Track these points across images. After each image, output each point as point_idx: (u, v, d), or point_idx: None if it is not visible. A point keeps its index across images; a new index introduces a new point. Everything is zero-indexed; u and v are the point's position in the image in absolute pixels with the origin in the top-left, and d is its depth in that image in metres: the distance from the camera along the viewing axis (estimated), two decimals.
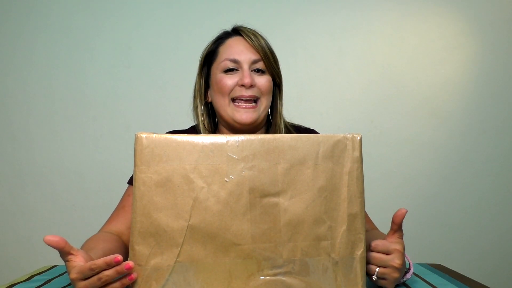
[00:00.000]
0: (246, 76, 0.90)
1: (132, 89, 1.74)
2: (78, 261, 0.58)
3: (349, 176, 0.61)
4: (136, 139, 0.58)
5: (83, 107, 1.73)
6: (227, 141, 0.60)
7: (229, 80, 0.92)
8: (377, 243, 0.65)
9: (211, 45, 0.99)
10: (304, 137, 0.61)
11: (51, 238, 0.55)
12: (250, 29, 0.96)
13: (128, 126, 1.73)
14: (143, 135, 0.58)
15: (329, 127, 1.73)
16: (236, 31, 0.97)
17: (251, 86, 0.90)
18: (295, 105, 1.68)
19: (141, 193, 0.58)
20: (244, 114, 0.90)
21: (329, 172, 0.61)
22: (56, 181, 1.72)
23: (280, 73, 0.99)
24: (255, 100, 0.92)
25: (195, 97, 1.01)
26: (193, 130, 1.04)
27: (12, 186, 1.72)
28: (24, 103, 1.73)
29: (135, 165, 0.58)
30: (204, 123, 0.98)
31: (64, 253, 0.57)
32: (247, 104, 0.91)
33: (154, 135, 0.59)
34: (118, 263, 0.55)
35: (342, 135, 0.62)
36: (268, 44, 0.96)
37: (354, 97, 1.77)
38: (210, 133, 0.99)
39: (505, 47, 1.77)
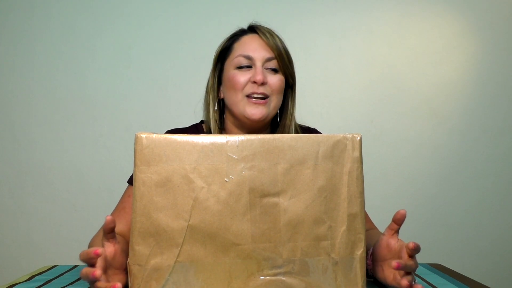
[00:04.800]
0: (258, 73, 0.90)
1: (132, 89, 1.74)
2: (107, 250, 0.60)
3: (349, 176, 0.61)
4: (136, 139, 0.58)
5: (84, 107, 1.73)
6: (227, 141, 0.60)
7: (242, 77, 0.91)
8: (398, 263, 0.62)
9: (226, 42, 0.99)
10: (304, 137, 0.61)
11: (108, 218, 0.59)
12: (266, 27, 0.96)
13: (128, 126, 1.73)
14: (143, 135, 0.58)
15: (329, 127, 1.73)
16: (252, 29, 0.97)
17: (263, 83, 0.90)
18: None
19: (141, 193, 0.58)
20: (254, 109, 0.90)
21: (329, 172, 0.61)
22: (56, 181, 1.72)
23: (293, 73, 0.98)
24: (264, 98, 0.92)
25: (207, 93, 1.00)
26: (194, 128, 1.03)
27: (12, 186, 1.72)
28: (24, 103, 1.73)
29: (135, 165, 0.58)
30: (216, 119, 0.98)
31: (104, 236, 0.61)
32: (258, 100, 0.91)
33: (154, 135, 0.59)
34: (96, 255, 0.56)
35: (342, 135, 0.62)
36: (284, 44, 0.96)
37: (354, 97, 1.76)
38: (220, 130, 0.99)
39: (505, 47, 1.76)
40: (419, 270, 0.87)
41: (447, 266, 0.93)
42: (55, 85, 1.73)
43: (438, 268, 0.90)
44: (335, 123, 1.76)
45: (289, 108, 1.00)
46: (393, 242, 0.67)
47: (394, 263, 0.60)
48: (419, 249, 0.64)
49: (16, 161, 1.72)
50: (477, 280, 0.80)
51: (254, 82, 0.90)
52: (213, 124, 0.98)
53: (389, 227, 0.67)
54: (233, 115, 0.96)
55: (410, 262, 0.63)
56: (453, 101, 1.76)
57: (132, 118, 1.73)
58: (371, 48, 1.77)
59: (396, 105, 1.76)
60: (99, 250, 0.56)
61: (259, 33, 0.95)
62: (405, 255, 0.64)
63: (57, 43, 1.74)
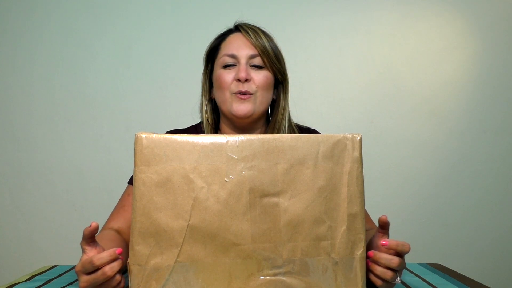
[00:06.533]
0: (241, 70, 0.91)
1: (132, 89, 1.74)
2: (89, 254, 0.61)
3: (349, 176, 0.61)
4: (136, 139, 0.58)
5: (84, 107, 1.73)
6: (227, 141, 0.60)
7: (227, 76, 0.93)
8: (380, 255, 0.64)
9: (213, 42, 1.01)
10: (304, 137, 0.61)
11: (94, 224, 0.61)
12: (250, 25, 0.98)
13: (128, 126, 1.73)
14: (143, 135, 0.58)
15: (329, 127, 1.73)
16: (237, 28, 0.99)
17: (247, 80, 0.91)
18: (295, 105, 1.68)
19: (141, 193, 0.58)
20: (240, 105, 0.91)
21: (329, 172, 0.61)
22: (56, 181, 1.72)
23: (283, 69, 0.99)
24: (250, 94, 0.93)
25: (201, 94, 1.03)
26: (193, 129, 1.04)
27: (12, 186, 1.72)
28: (24, 103, 1.73)
29: (135, 165, 0.58)
30: (208, 119, 1.00)
31: (85, 241, 0.62)
32: (243, 96, 0.92)
33: (154, 135, 0.59)
34: (120, 255, 0.60)
35: (342, 135, 0.62)
36: (270, 40, 0.96)
37: (354, 97, 1.76)
38: (213, 129, 1.00)
39: (505, 47, 1.76)
40: (419, 270, 0.87)
41: (447, 266, 0.93)
42: (55, 85, 1.73)
43: (438, 268, 0.90)
44: (335, 123, 1.76)
45: (280, 104, 1.00)
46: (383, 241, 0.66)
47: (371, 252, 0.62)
48: (399, 248, 0.63)
49: (16, 161, 1.72)
50: (477, 280, 0.80)
51: (239, 80, 0.91)
52: (205, 123, 1.00)
53: (377, 230, 0.68)
54: (223, 113, 0.97)
55: (391, 258, 0.63)
56: (453, 101, 1.76)
57: (132, 118, 1.73)
58: (371, 48, 1.77)
59: (396, 105, 1.76)
60: (120, 249, 0.61)
61: (242, 32, 0.96)
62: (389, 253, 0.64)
63: (57, 43, 1.74)
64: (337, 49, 1.77)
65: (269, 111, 1.04)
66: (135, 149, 0.58)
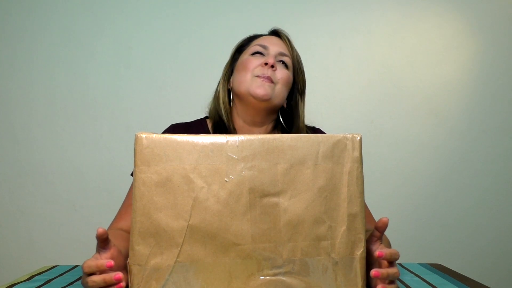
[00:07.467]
0: (270, 57, 0.95)
1: (132, 89, 1.74)
2: (103, 256, 0.61)
3: (349, 176, 0.61)
4: (136, 139, 0.58)
5: (84, 107, 1.73)
6: (227, 141, 0.60)
7: (254, 60, 0.96)
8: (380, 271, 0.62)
9: (246, 38, 1.05)
10: (304, 137, 0.61)
11: (101, 230, 0.59)
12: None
13: (128, 126, 1.73)
14: (143, 135, 0.58)
15: (329, 127, 1.72)
16: (274, 32, 1.05)
17: (272, 66, 0.94)
18: None
19: (141, 193, 0.58)
20: (260, 87, 0.93)
21: (329, 172, 0.61)
22: (56, 181, 1.72)
23: (304, 81, 1.03)
24: (271, 81, 0.95)
25: (219, 83, 1.04)
26: (199, 123, 1.04)
27: (12, 186, 1.72)
28: (25, 104, 1.73)
29: (135, 165, 0.58)
30: (226, 103, 1.01)
31: (98, 245, 0.60)
32: (265, 79, 0.94)
33: (154, 135, 0.59)
34: (110, 268, 0.58)
35: (342, 135, 0.62)
36: (298, 54, 1.03)
37: (354, 97, 1.76)
38: (227, 117, 1.00)
39: (505, 47, 1.76)
40: (419, 270, 0.87)
41: (447, 266, 0.93)
42: (55, 85, 1.73)
43: (438, 268, 0.90)
44: (335, 123, 1.76)
45: (300, 113, 1.04)
46: (374, 248, 0.65)
47: (372, 271, 0.60)
48: (392, 257, 0.62)
49: (16, 161, 1.72)
50: (477, 280, 0.80)
51: (265, 64, 0.94)
52: (223, 109, 1.00)
53: (372, 234, 0.67)
54: (239, 96, 0.97)
55: (390, 271, 0.62)
56: (453, 101, 1.76)
57: (132, 118, 1.73)
58: (371, 48, 1.77)
59: (396, 105, 1.76)
60: (112, 262, 0.58)
61: (280, 35, 1.02)
62: (385, 262, 0.63)
63: (57, 43, 1.74)
64: (337, 49, 1.77)
65: (282, 119, 1.04)
66: (135, 149, 0.58)
